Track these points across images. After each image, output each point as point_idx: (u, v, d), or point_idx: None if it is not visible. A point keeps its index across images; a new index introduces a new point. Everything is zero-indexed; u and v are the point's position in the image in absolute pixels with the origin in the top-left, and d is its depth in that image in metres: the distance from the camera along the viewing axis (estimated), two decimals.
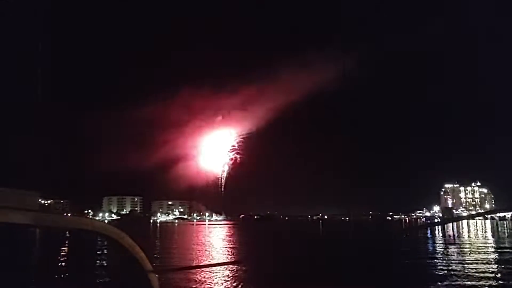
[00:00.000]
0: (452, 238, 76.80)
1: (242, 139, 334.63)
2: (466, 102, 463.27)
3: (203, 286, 25.44)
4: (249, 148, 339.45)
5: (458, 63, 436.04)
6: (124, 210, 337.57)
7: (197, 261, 42.29)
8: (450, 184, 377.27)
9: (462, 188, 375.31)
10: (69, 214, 2.43)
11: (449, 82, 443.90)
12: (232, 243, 74.05)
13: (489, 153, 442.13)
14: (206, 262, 41.59)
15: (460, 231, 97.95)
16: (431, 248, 56.69)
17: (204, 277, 27.77)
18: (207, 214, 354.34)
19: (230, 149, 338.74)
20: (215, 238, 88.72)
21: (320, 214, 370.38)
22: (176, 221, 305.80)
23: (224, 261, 45.31)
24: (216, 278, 28.10)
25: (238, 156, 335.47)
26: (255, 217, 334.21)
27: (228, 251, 55.16)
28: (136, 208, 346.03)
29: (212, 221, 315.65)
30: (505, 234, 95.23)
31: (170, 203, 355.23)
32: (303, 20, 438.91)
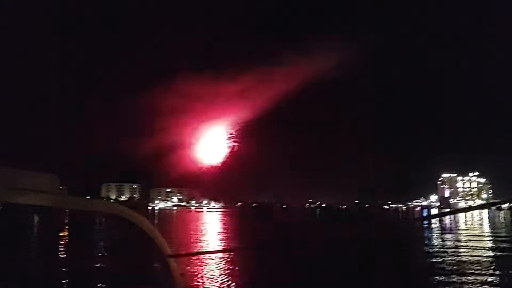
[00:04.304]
0: (449, 227, 77.33)
1: (241, 127, 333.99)
2: (465, 94, 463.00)
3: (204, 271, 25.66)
4: (248, 136, 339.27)
5: (457, 54, 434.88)
6: (123, 197, 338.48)
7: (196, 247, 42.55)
8: (448, 173, 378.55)
9: (459, 178, 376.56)
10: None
11: (447, 75, 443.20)
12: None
13: (487, 143, 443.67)
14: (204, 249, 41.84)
15: (457, 220, 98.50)
16: (427, 237, 57.08)
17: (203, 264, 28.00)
18: (205, 201, 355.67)
19: (229, 137, 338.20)
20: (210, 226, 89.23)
21: (318, 202, 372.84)
22: (175, 208, 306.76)
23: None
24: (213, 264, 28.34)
25: (236, 144, 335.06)
26: (252, 205, 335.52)
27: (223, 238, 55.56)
28: (134, 195, 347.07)
29: (210, 208, 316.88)
30: (502, 224, 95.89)
31: (168, 190, 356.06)
32: (303, 7, 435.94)
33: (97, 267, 28.21)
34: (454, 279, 24.02)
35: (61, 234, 55.09)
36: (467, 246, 42.91)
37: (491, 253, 36.67)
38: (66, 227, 67.17)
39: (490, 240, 50.72)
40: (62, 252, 37.75)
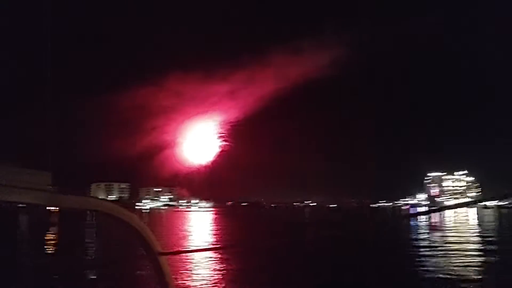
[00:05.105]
0: (436, 225, 77.98)
1: (231, 126, 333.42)
2: (461, 92, 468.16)
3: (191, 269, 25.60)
4: (237, 135, 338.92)
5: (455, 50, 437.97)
6: (112, 196, 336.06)
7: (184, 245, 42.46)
8: (436, 172, 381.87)
9: (447, 177, 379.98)
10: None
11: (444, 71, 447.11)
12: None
13: (475, 142, 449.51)
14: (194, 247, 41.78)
15: (445, 218, 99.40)
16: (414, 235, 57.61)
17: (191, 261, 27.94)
18: (195, 200, 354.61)
19: (219, 136, 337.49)
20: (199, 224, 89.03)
21: (307, 201, 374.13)
22: (164, 207, 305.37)
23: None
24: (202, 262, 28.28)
25: (226, 143, 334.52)
26: (242, 204, 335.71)
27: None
28: (124, 195, 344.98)
29: (200, 207, 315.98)
30: (488, 222, 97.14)
31: (157, 189, 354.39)
32: (295, 6, 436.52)
33: (87, 266, 28.02)
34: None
35: (51, 233, 54.63)
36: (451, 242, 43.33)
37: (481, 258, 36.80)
38: (56, 227, 66.55)
39: (478, 240, 51.26)
40: (51, 252, 37.40)
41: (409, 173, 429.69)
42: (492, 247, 40.34)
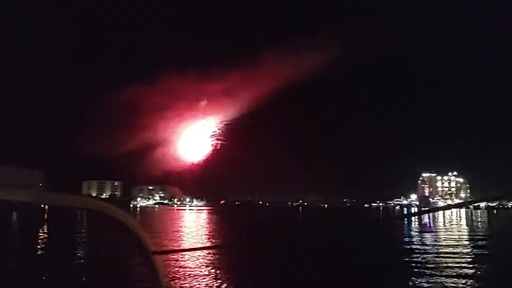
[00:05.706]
0: (427, 226, 78.59)
1: (224, 125, 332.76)
2: (450, 95, 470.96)
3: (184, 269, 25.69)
4: (231, 134, 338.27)
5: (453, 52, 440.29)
6: (104, 194, 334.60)
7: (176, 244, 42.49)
8: (428, 173, 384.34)
9: (439, 177, 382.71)
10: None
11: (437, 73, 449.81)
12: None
13: (468, 143, 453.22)
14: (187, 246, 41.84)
15: (436, 219, 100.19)
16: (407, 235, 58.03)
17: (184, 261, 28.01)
18: (187, 199, 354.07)
19: (212, 135, 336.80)
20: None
21: (300, 201, 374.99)
22: (157, 206, 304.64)
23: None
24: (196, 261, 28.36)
25: (220, 142, 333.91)
26: (235, 203, 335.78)
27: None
28: (116, 193, 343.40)
29: (193, 206, 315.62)
30: (478, 223, 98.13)
31: (150, 188, 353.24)
32: (289, 7, 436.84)
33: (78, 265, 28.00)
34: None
35: (40, 232, 54.34)
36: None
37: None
38: (46, 225, 66.18)
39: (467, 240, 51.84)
40: (40, 251, 37.28)
41: (404, 174, 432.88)
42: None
